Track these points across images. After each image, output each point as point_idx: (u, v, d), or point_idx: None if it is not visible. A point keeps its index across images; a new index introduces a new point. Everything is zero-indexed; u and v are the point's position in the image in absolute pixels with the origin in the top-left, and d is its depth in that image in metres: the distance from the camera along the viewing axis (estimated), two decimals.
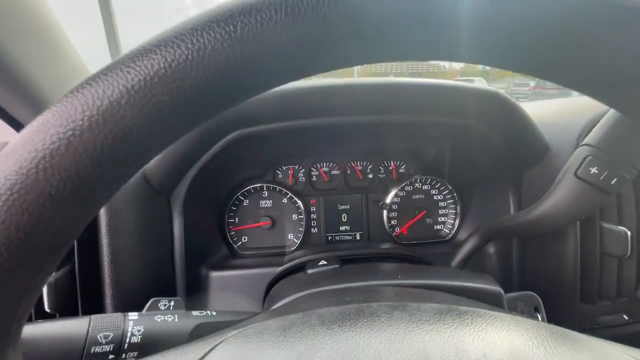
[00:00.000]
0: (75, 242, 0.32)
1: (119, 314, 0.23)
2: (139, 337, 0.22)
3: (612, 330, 0.37)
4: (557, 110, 0.43)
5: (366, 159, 0.52)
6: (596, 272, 0.37)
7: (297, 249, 0.50)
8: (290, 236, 0.51)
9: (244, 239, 0.50)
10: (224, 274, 0.43)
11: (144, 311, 0.24)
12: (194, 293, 0.40)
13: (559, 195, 0.30)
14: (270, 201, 0.51)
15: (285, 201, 0.51)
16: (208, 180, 0.41)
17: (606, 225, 0.37)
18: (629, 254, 0.36)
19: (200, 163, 0.38)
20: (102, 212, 0.31)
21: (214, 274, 0.42)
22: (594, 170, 0.28)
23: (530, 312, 0.30)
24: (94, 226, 0.31)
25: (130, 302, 0.31)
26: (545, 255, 0.39)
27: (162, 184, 0.36)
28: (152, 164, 0.35)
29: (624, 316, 0.37)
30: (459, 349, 0.15)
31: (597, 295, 0.38)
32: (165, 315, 0.24)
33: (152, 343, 0.22)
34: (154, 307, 0.25)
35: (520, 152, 0.39)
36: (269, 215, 0.50)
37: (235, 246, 0.50)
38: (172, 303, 0.25)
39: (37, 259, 0.11)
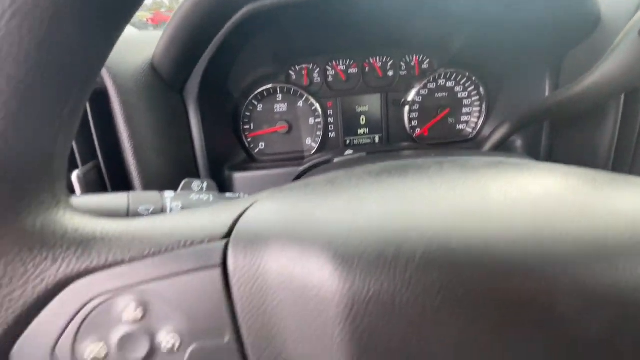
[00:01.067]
0: (96, 140, 0.32)
1: (155, 192, 0.23)
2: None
3: None
4: None
5: (386, 53, 0.48)
6: (629, 158, 0.36)
7: (316, 153, 0.49)
8: (308, 141, 0.50)
9: (261, 145, 0.49)
10: (247, 175, 0.43)
11: (178, 191, 0.24)
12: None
13: (616, 60, 0.27)
14: (285, 104, 0.48)
15: (301, 104, 0.48)
16: (219, 76, 0.39)
17: None
18: None
19: (208, 54, 0.35)
20: (117, 106, 0.30)
21: (237, 175, 0.43)
22: None
23: None
24: (112, 124, 0.30)
25: None
26: (578, 142, 0.37)
27: (171, 76, 0.34)
28: (159, 52, 0.32)
29: None
30: (520, 190, 0.14)
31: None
32: (200, 195, 0.24)
33: None
34: (187, 187, 0.25)
35: (566, 25, 0.35)
36: (285, 119, 0.48)
37: (254, 153, 0.49)
38: (205, 184, 0.25)
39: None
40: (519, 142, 0.44)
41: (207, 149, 0.38)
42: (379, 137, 0.51)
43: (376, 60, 0.48)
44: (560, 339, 0.11)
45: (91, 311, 0.12)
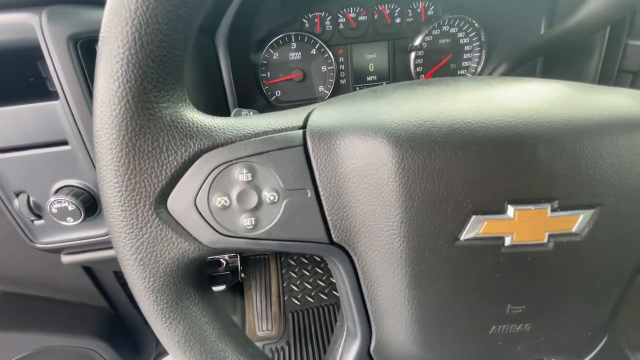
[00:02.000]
0: None
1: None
2: None
3: None
4: None
5: (394, 1, 0.50)
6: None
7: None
8: (321, 88, 0.54)
9: (278, 92, 0.53)
10: None
11: (232, 115, 0.29)
12: None
13: None
14: (299, 53, 0.51)
15: (314, 52, 0.51)
16: (244, 24, 0.41)
17: (632, 42, 0.39)
18: None
19: (236, 3, 0.38)
20: None
21: None
22: None
23: None
24: None
25: None
26: (566, 77, 0.42)
27: (205, 22, 0.37)
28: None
29: None
30: (518, 90, 0.19)
31: None
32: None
33: None
34: (238, 114, 0.30)
35: None
36: (299, 67, 0.52)
37: (271, 100, 0.53)
38: (251, 112, 0.30)
39: None
40: None
41: (236, 91, 0.42)
42: (387, 83, 0.55)
43: (385, 7, 0.50)
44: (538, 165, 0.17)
45: (217, 175, 0.17)
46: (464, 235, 0.17)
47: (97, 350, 0.79)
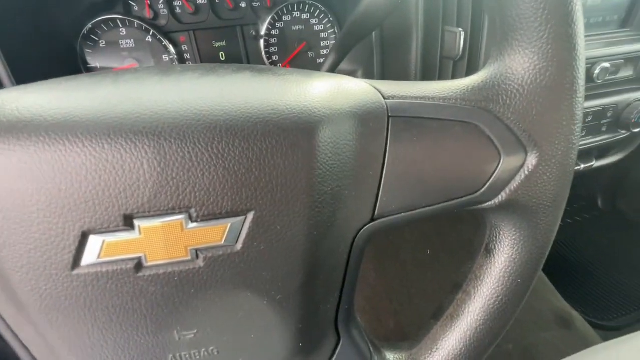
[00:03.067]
0: None
1: None
2: None
3: None
4: None
5: None
6: (435, 75, 0.41)
7: None
8: None
9: None
10: None
11: None
12: None
13: None
14: (132, 40, 0.45)
15: (150, 39, 0.46)
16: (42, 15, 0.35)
17: (448, 28, 0.39)
18: (460, 54, 0.39)
19: None
20: None
21: None
22: None
23: None
24: None
25: None
26: (396, 64, 0.42)
27: None
28: None
29: None
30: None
31: None
32: None
33: None
34: None
35: None
36: (134, 57, 0.46)
37: None
38: None
39: None
40: (360, 72, 0.48)
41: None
42: None
43: None
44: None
45: None
46: (84, 261, 0.14)
47: None
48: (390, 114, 0.17)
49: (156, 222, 0.14)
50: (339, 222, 0.17)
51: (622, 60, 0.47)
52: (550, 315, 0.86)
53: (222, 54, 0.50)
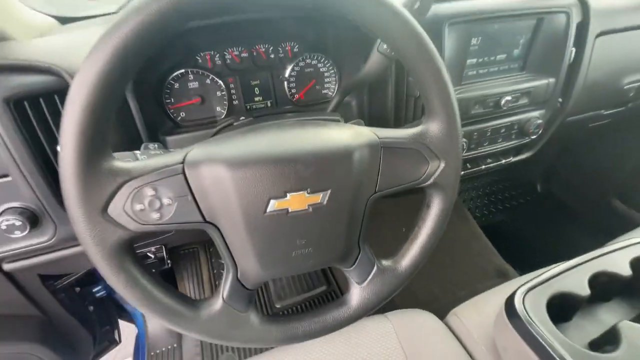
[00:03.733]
0: None
1: (129, 152, 0.42)
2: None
3: None
4: None
5: (267, 42, 0.67)
6: (403, 107, 0.65)
7: (225, 117, 0.69)
8: (218, 108, 0.69)
9: (182, 114, 0.66)
10: (175, 137, 0.62)
11: (141, 150, 0.44)
12: None
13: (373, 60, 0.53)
14: (197, 83, 0.65)
15: (209, 81, 0.66)
16: (144, 68, 0.54)
17: (410, 78, 0.63)
18: (418, 94, 0.63)
19: None
20: None
21: (168, 138, 0.61)
22: None
23: None
24: None
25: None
26: (377, 101, 0.65)
27: None
28: None
29: None
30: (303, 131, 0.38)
31: (402, 123, 0.67)
32: (156, 151, 0.44)
33: None
34: (146, 148, 0.44)
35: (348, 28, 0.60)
36: (197, 94, 0.66)
37: (177, 120, 0.66)
38: (156, 145, 0.45)
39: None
40: (354, 102, 0.71)
41: (144, 121, 0.55)
42: (270, 102, 0.73)
43: (261, 47, 0.67)
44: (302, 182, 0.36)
45: (135, 193, 0.33)
46: (268, 210, 0.36)
47: (35, 353, 0.84)
48: (382, 145, 0.40)
49: (295, 194, 0.36)
50: (362, 193, 0.40)
51: (520, 94, 0.74)
52: (492, 270, 1.15)
53: (256, 89, 0.71)
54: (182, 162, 0.35)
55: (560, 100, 0.82)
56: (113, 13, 0.75)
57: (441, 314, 0.73)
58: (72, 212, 0.31)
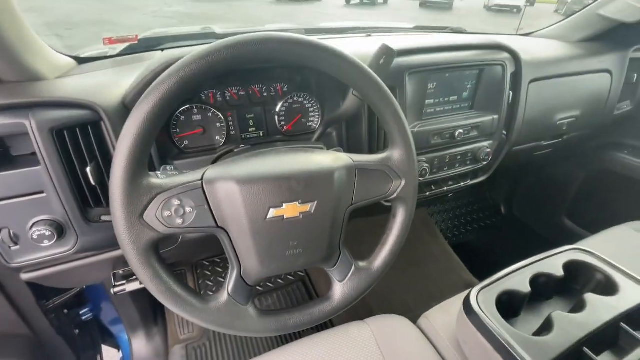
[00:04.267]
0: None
1: (152, 172, 0.51)
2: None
3: None
4: None
5: (261, 83, 0.80)
6: (376, 136, 0.78)
7: (223, 145, 0.79)
8: (217, 137, 0.79)
9: (186, 142, 0.76)
10: (181, 162, 0.71)
11: (161, 171, 0.53)
12: None
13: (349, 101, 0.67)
14: (200, 116, 0.76)
15: (210, 115, 0.77)
16: None
17: None
18: None
19: None
20: (110, 131, 0.55)
21: (175, 162, 0.70)
22: None
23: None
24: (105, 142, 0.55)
25: None
26: (353, 133, 0.78)
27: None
28: (131, 98, 0.57)
29: None
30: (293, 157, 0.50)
31: (375, 151, 0.80)
32: (173, 172, 0.53)
33: None
34: (165, 170, 0.54)
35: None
36: (200, 125, 0.76)
37: (181, 147, 0.76)
38: (172, 166, 0.55)
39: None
40: (334, 134, 0.83)
41: (156, 147, 0.65)
42: (262, 132, 0.84)
43: (256, 87, 0.80)
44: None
45: (164, 203, 0.42)
46: (268, 217, 0.46)
47: None
48: (356, 167, 0.52)
49: (289, 204, 0.46)
50: (342, 205, 0.51)
51: (470, 127, 0.89)
52: (461, 284, 1.26)
53: (251, 121, 0.82)
54: (201, 179, 0.45)
55: (504, 132, 0.99)
56: (126, 54, 0.87)
57: (414, 321, 0.82)
58: (116, 216, 0.40)
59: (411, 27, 1.25)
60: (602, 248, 0.75)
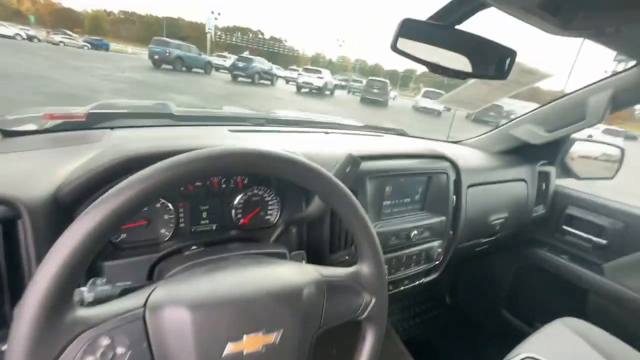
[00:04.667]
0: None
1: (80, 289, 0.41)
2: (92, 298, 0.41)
3: (342, 263, 0.78)
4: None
5: (221, 175, 0.76)
6: (337, 239, 0.76)
7: (169, 240, 0.70)
8: (163, 230, 0.70)
9: (123, 235, 0.66)
10: (113, 263, 0.59)
11: (87, 286, 0.43)
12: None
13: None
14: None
15: (159, 205, 0.69)
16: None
17: None
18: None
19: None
20: (30, 233, 0.44)
21: (107, 264, 0.58)
22: None
23: (300, 260, 0.64)
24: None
25: None
26: (315, 232, 0.76)
27: (73, 207, 0.50)
28: (70, 193, 0.49)
29: (346, 257, 0.79)
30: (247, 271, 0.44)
31: (336, 250, 0.78)
32: (103, 287, 0.43)
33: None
34: (93, 284, 0.44)
35: None
36: (144, 216, 0.67)
37: (116, 242, 0.65)
38: (104, 280, 0.45)
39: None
40: (294, 231, 0.80)
41: None
42: (216, 226, 0.77)
43: (215, 178, 0.76)
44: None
45: (89, 344, 0.32)
46: (224, 354, 0.38)
47: None
48: (327, 282, 0.48)
49: (251, 335, 0.39)
50: (309, 329, 0.44)
51: (423, 228, 0.94)
52: None
53: (204, 213, 0.75)
54: (144, 306, 0.36)
55: (451, 232, 1.06)
56: (66, 130, 0.78)
57: None
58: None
59: (361, 126, 1.38)
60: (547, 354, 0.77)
